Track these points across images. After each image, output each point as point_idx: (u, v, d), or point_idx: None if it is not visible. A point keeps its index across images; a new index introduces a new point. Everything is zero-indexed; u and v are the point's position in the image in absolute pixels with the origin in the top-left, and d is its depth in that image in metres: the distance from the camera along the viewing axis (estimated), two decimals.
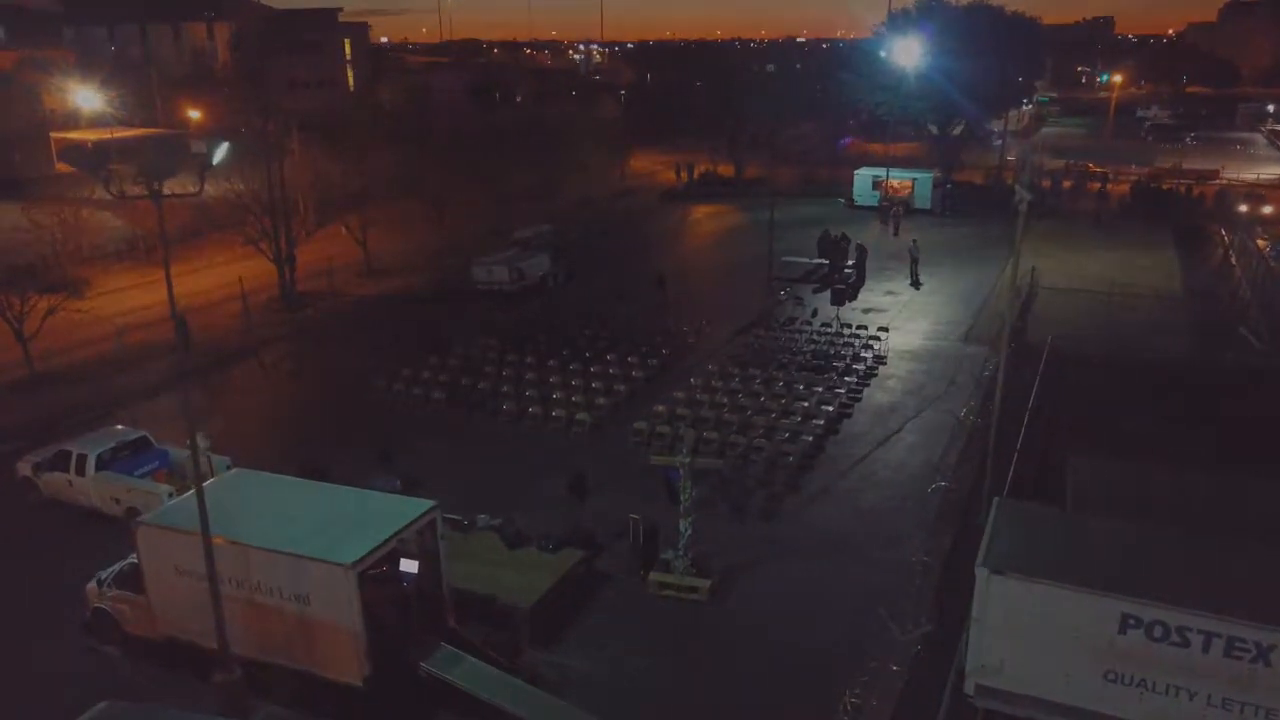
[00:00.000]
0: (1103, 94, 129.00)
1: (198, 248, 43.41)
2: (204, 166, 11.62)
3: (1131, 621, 12.11)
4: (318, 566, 14.08)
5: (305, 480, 16.80)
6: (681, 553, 17.64)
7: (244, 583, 14.73)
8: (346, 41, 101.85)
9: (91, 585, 16.51)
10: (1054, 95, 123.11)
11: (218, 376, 29.83)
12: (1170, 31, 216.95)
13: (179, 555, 15.01)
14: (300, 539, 14.53)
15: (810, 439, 23.56)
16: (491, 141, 51.79)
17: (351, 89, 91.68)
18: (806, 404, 25.59)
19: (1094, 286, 37.51)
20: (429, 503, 15.60)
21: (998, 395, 19.91)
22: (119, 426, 22.43)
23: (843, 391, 26.76)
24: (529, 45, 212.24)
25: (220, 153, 12.70)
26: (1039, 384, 25.73)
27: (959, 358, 30.17)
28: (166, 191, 12.63)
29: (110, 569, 16.54)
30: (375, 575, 15.33)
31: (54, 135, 64.13)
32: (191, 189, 11.94)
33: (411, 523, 15.11)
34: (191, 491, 16.34)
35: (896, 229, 47.53)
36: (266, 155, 36.92)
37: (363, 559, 14.10)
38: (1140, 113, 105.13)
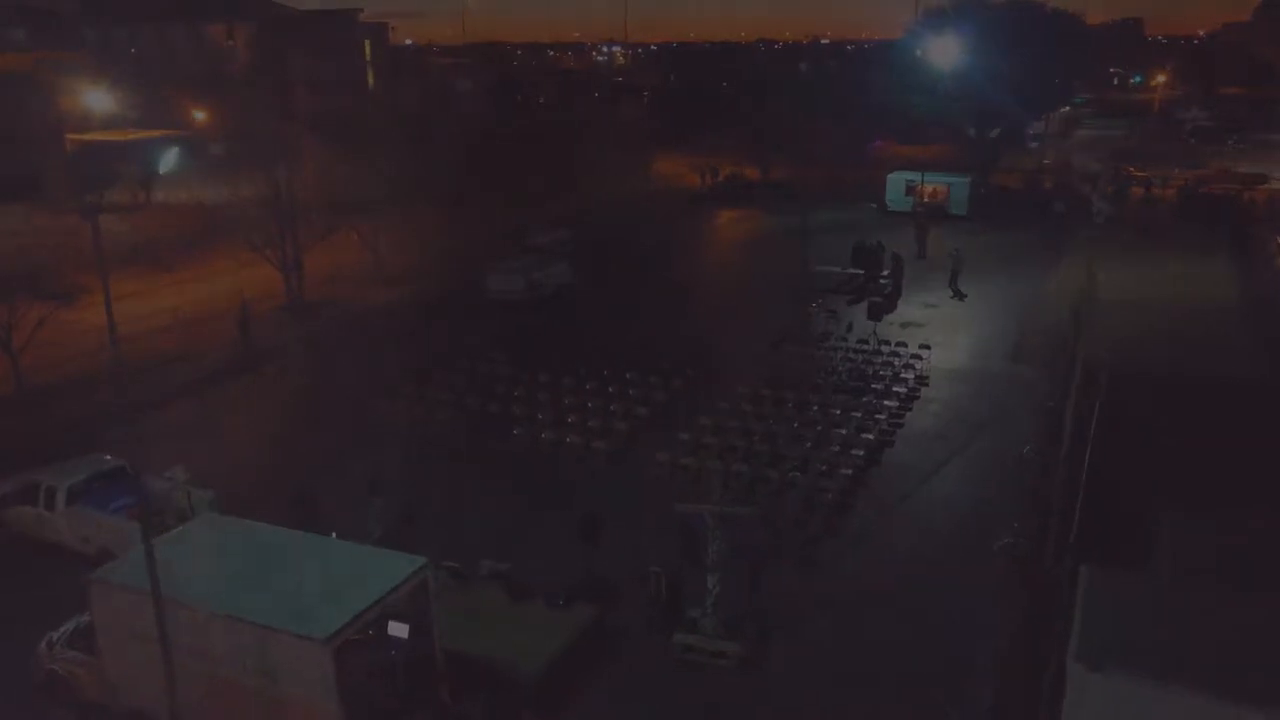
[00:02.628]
0: (1137, 96, 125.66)
1: (202, 254, 41.83)
2: (149, 175, 9.75)
3: None
4: (288, 639, 12.16)
5: (282, 530, 14.86)
6: (709, 611, 15.59)
7: (205, 653, 12.83)
8: (367, 43, 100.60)
9: (42, 646, 14.67)
10: (1089, 97, 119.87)
11: (214, 392, 28.08)
12: (1201, 32, 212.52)
13: (134, 618, 13.13)
14: (269, 605, 12.62)
15: (849, 472, 21.42)
16: (511, 144, 50.08)
17: (371, 90, 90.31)
18: (844, 431, 23.46)
19: (1149, 299, 35.01)
20: (420, 560, 13.66)
21: (1065, 436, 17.66)
22: (105, 456, 20.59)
23: (883, 417, 24.58)
24: (552, 48, 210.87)
25: (169, 160, 10.84)
26: (1100, 410, 23.32)
27: (1008, 378, 27.89)
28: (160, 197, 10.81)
29: (64, 627, 14.70)
30: (357, 641, 13.38)
31: (69, 137, 62.99)
32: (139, 198, 10.05)
33: (399, 585, 13.16)
34: (163, 537, 14.64)
35: (923, 248, 42.72)
36: (278, 158, 35.34)
37: (340, 631, 12.16)
38: (1179, 114, 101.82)
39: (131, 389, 27.05)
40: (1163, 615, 11.66)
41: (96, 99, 58.17)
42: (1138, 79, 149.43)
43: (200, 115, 63.92)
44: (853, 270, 38.33)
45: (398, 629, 13.74)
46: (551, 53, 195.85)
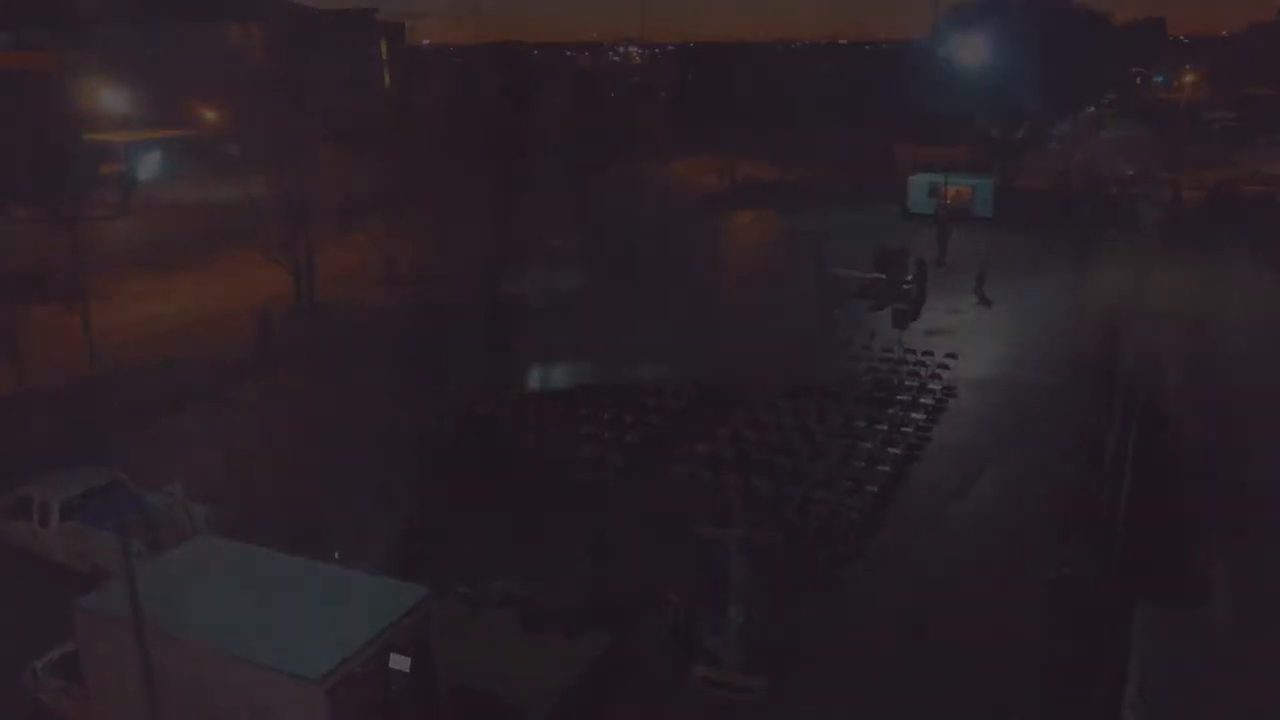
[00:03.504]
0: (1162, 95, 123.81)
1: (212, 255, 41.25)
2: (129, 182, 9.00)
3: None
4: (280, 679, 11.35)
5: (278, 555, 14.05)
6: (731, 641, 14.71)
7: (195, 689, 12.05)
8: (383, 42, 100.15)
9: (27, 674, 13.95)
10: (1113, 97, 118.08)
11: (219, 399, 27.36)
12: (1225, 31, 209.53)
13: (122, 649, 12.35)
14: (262, 640, 11.81)
15: (875, 489, 20.49)
16: (527, 144, 49.30)
17: (387, 90, 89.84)
18: (869, 444, 22.52)
19: (1186, 309, 33.70)
20: (422, 590, 12.84)
21: (1108, 457, 16.63)
22: (103, 467, 19.87)
23: (910, 430, 23.62)
24: (569, 48, 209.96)
25: (149, 165, 10.08)
26: (1147, 432, 22.10)
27: (1038, 390, 26.83)
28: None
29: (49, 654, 13.97)
30: (355, 677, 12.55)
31: (87, 137, 62.59)
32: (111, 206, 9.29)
33: (400, 617, 12.35)
34: (154, 561, 13.95)
35: (943, 253, 41.18)
36: (290, 158, 34.71)
37: (335, 670, 11.35)
38: (1206, 114, 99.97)
39: (136, 395, 26.43)
40: (1224, 665, 10.71)
41: (112, 99, 57.89)
42: (1160, 79, 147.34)
43: (213, 115, 63.54)
44: (875, 275, 37.32)
45: (399, 663, 12.90)
46: (569, 53, 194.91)
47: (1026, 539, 18.62)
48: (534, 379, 27.22)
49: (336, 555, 16.17)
